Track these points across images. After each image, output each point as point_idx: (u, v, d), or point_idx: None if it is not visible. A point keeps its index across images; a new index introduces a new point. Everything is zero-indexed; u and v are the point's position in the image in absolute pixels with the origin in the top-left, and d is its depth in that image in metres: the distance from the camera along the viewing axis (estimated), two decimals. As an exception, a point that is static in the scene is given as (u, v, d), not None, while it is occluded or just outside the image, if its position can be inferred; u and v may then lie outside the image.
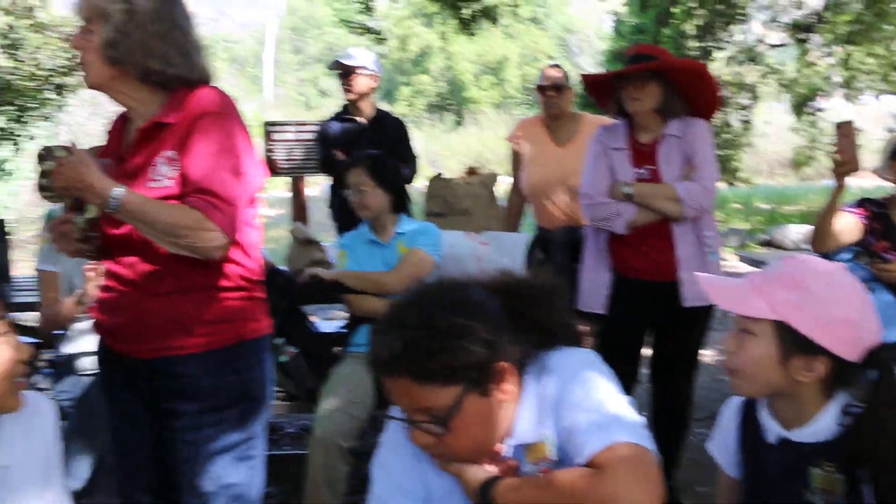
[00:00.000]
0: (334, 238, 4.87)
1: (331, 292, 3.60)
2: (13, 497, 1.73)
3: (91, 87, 2.18)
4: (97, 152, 2.24)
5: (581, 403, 1.51)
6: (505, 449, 1.61)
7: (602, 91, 3.50)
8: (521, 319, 1.61)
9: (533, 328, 1.62)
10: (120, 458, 2.42)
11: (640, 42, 11.88)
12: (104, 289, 2.27)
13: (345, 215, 4.62)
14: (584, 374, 1.56)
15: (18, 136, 8.36)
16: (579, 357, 1.62)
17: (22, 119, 8.18)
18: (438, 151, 23.94)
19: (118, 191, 1.98)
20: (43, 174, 1.98)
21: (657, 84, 3.26)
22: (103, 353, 2.35)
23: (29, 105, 8.14)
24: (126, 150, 2.21)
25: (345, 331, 3.73)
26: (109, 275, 2.22)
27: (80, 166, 1.97)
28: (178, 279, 2.14)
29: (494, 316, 1.57)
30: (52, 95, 8.34)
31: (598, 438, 1.44)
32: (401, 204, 3.60)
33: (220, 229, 2.04)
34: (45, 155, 1.97)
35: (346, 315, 3.82)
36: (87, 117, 16.51)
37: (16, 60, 8.11)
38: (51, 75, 8.20)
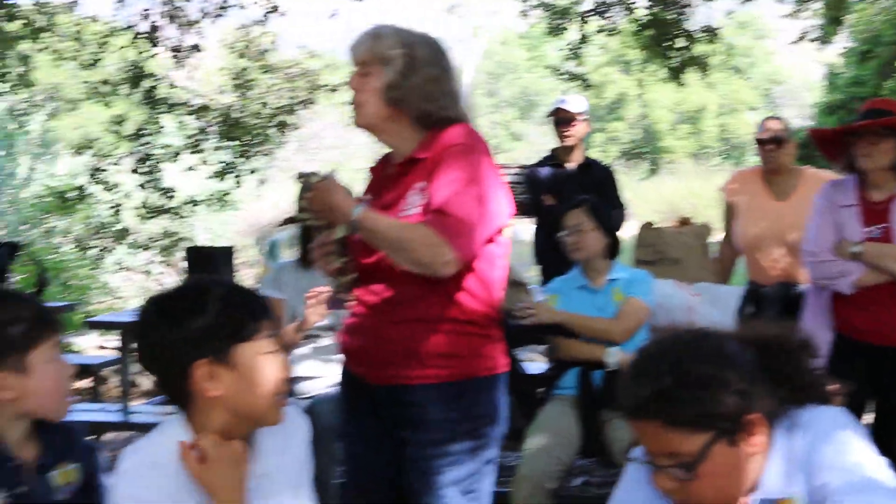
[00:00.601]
0: (536, 282, 4.94)
1: (549, 334, 3.65)
2: (268, 505, 1.86)
3: (360, 125, 2.35)
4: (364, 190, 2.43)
5: (836, 464, 1.49)
6: (750, 503, 1.60)
7: (829, 146, 3.43)
8: (772, 373, 1.60)
9: (784, 382, 1.61)
10: (355, 478, 2.53)
11: (857, 95, 11.42)
12: (353, 314, 2.39)
13: (549, 259, 4.69)
14: (838, 434, 1.54)
15: (241, 170, 8.92)
16: (832, 415, 1.60)
17: (247, 154, 8.73)
18: (631, 200, 23.72)
19: (358, 209, 2.13)
20: (302, 196, 2.18)
21: (892, 141, 3.16)
22: (347, 375, 2.48)
23: (252, 142, 8.69)
24: (384, 185, 2.37)
25: (551, 373, 3.78)
26: (359, 301, 2.35)
27: (330, 190, 2.15)
28: (417, 308, 2.24)
29: (748, 367, 1.58)
30: (273, 133, 8.87)
31: (855, 501, 1.42)
32: (615, 249, 3.64)
33: (450, 245, 2.12)
34: (305, 180, 2.16)
35: (545, 357, 3.87)
36: (293, 153, 17.48)
37: (245, 99, 8.69)
38: (275, 114, 8.74)
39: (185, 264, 5.23)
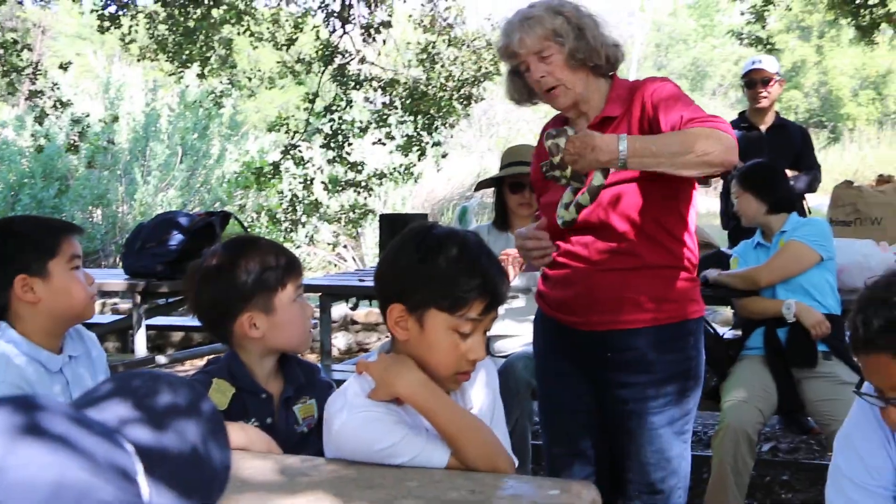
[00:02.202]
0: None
1: (715, 293, 3.75)
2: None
3: (564, 106, 2.42)
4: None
5: None
6: None
7: None
8: None
9: None
10: (552, 424, 2.64)
11: None
12: (554, 266, 2.46)
13: (733, 223, 4.74)
14: None
15: (426, 143, 9.20)
16: None
17: (432, 127, 9.01)
18: (813, 168, 22.94)
19: (623, 136, 2.13)
20: (552, 152, 2.19)
21: None
22: (548, 325, 2.57)
23: (437, 115, 8.95)
24: None
25: (738, 335, 3.87)
26: (562, 253, 2.41)
27: (588, 135, 2.16)
28: (632, 256, 2.32)
29: None
30: (458, 105, 9.10)
31: None
32: (782, 205, 3.66)
33: (726, 133, 2.13)
34: (556, 134, 2.20)
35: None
36: (462, 129, 17.74)
37: (432, 73, 8.96)
38: (459, 86, 8.97)
39: (379, 232, 5.49)
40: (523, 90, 2.50)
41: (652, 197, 2.29)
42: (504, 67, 2.58)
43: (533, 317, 2.71)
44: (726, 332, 4.24)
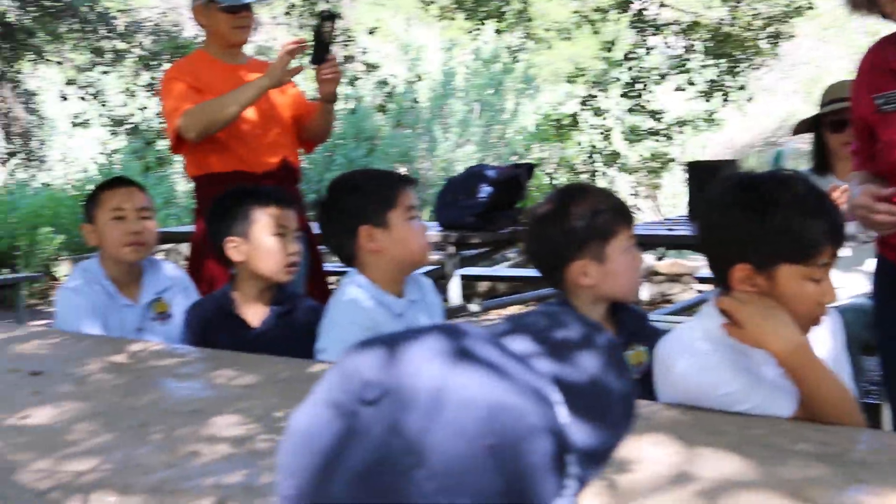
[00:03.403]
0: None
1: None
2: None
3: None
4: None
5: None
6: None
7: None
8: None
9: None
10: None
11: None
12: None
13: None
14: None
15: (728, 88, 8.87)
16: None
17: (735, 70, 8.67)
18: None
19: None
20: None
21: None
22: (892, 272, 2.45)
23: (742, 56, 8.59)
24: None
25: None
26: None
27: None
28: None
29: None
30: (765, 45, 8.68)
31: None
32: None
33: None
34: None
35: None
36: (765, 71, 16.87)
37: (736, 12, 8.60)
38: (768, 24, 8.54)
39: (688, 181, 5.37)
40: None
41: None
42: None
43: (860, 266, 2.58)
44: None
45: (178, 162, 11.95)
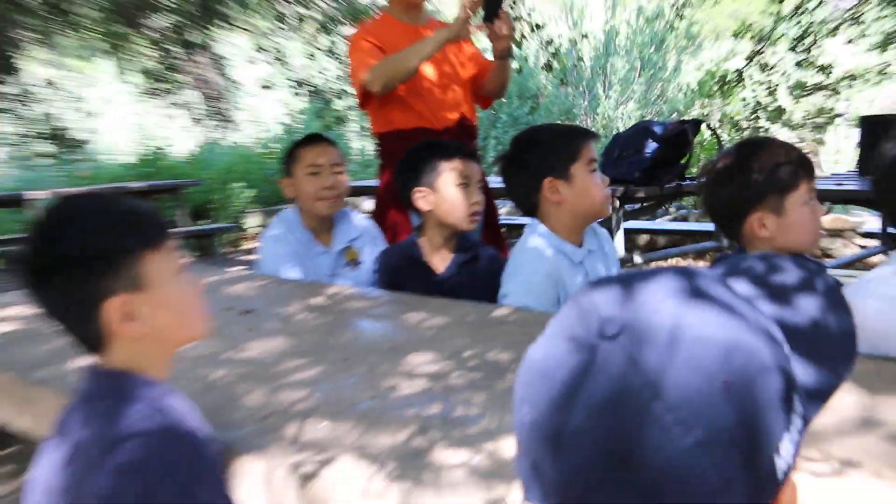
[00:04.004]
0: None
1: None
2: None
3: None
4: None
5: None
6: None
7: None
8: None
9: None
10: None
11: None
12: None
13: None
14: None
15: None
16: None
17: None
18: None
19: None
20: None
21: None
22: None
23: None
24: None
25: None
26: None
27: None
28: None
29: None
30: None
31: None
32: None
33: None
34: None
35: None
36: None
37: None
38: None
39: (861, 135, 5.10)
40: None
41: None
42: None
43: None
44: None
45: (354, 121, 12.22)
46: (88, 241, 1.22)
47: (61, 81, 10.40)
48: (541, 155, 2.32)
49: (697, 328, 0.62)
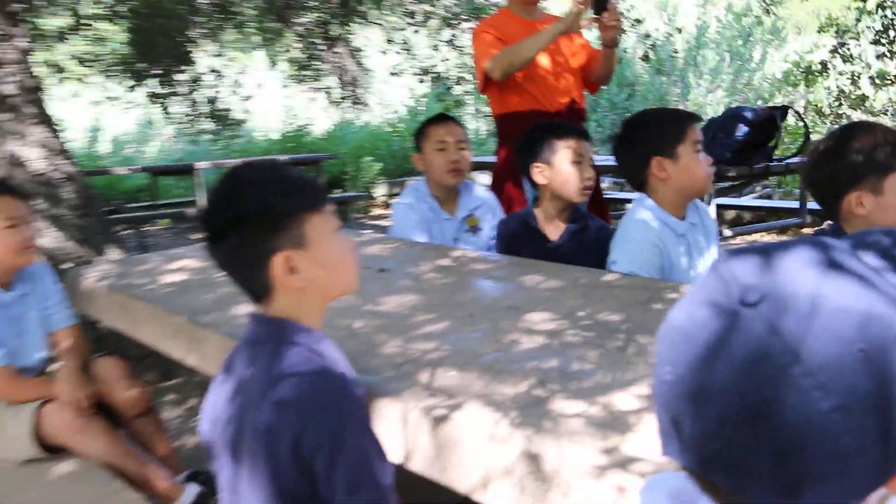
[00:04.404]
0: None
1: None
2: None
3: None
4: None
5: None
6: None
7: None
8: None
9: None
10: None
11: None
12: None
13: None
14: None
15: None
16: None
17: None
18: None
19: None
20: None
21: None
22: None
23: None
24: None
25: None
26: None
27: None
28: None
29: None
30: None
31: None
32: None
33: None
34: None
35: None
36: None
37: None
38: None
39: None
40: None
41: None
42: None
43: None
44: None
45: (470, 104, 12.16)
46: (261, 202, 1.23)
47: (224, 70, 10.65)
48: (650, 135, 2.23)
49: (836, 298, 0.58)
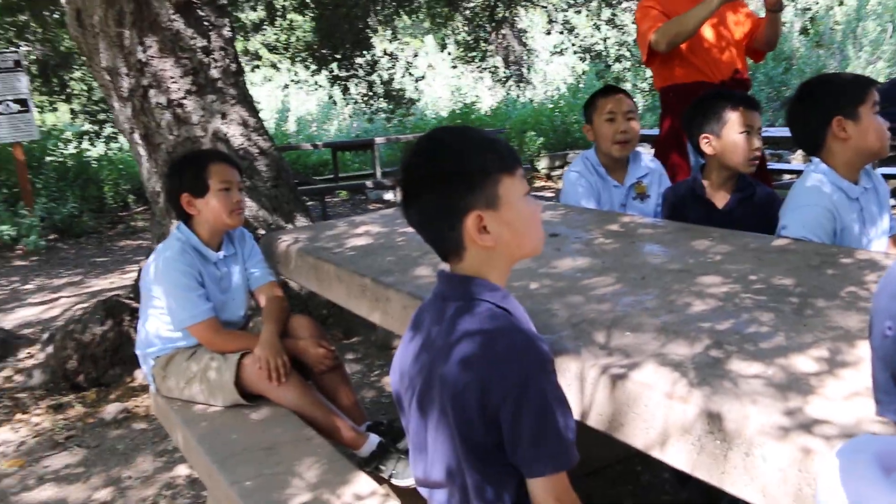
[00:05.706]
0: None
1: None
2: None
3: None
4: None
5: None
6: None
7: None
8: None
9: None
10: None
11: None
12: None
13: None
14: None
15: None
16: None
17: None
18: None
19: None
20: None
21: None
22: None
23: None
24: None
25: None
26: None
27: None
28: None
29: None
30: None
31: None
32: None
33: None
34: None
35: None
36: None
37: None
38: None
39: None
40: None
41: None
42: None
43: None
44: None
45: (629, 81, 11.77)
46: (459, 162, 1.21)
47: (398, 53, 10.84)
48: (832, 95, 2.07)
49: None
